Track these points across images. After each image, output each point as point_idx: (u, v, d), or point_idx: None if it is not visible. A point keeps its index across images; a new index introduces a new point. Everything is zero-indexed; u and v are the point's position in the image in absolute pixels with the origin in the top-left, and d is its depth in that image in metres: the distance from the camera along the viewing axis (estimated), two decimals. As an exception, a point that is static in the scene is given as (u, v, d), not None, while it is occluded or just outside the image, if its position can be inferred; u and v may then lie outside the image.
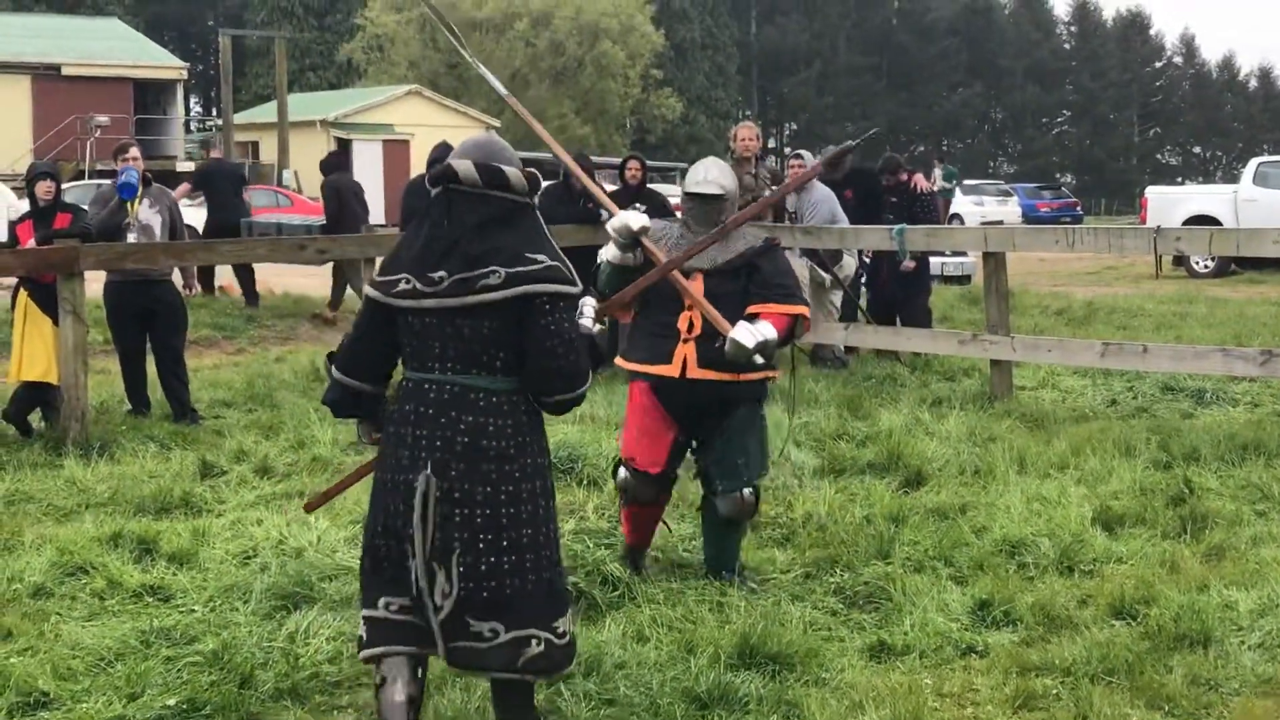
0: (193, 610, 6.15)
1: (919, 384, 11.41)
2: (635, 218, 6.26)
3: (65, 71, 44.50)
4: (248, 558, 6.92)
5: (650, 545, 6.76)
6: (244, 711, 5.08)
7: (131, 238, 10.47)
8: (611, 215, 6.47)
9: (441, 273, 4.38)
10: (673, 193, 33.54)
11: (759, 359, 6.09)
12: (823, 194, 12.61)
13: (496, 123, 54.13)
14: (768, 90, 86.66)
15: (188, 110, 57.27)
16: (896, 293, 12.94)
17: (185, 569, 6.71)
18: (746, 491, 6.38)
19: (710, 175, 6.53)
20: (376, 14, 61.81)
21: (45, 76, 44.38)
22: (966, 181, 45.74)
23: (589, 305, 5.09)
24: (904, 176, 13.29)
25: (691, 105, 73.48)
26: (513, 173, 4.48)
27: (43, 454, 9.27)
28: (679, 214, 6.90)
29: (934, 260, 16.47)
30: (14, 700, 5.10)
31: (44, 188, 10.25)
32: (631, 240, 6.25)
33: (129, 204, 10.54)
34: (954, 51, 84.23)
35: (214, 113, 69.51)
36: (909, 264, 12.37)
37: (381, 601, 4.49)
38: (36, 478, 8.59)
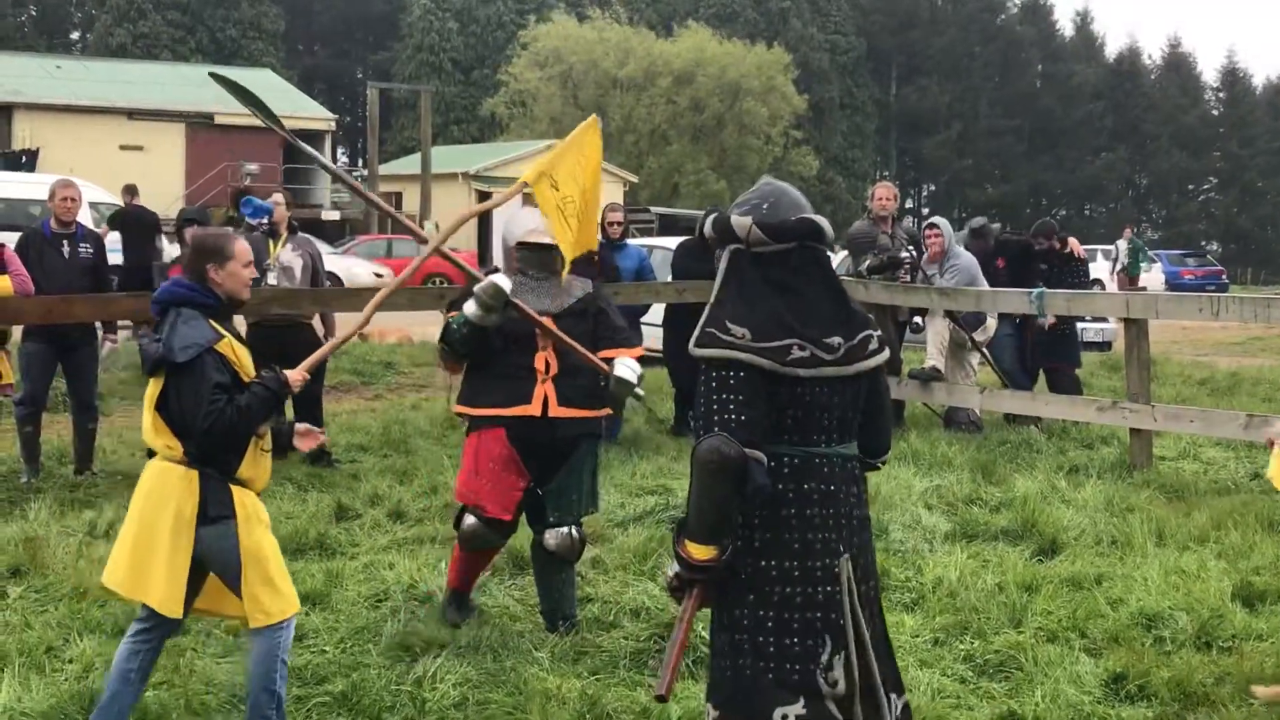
0: (324, 651, 6.25)
1: (1056, 451, 11.23)
2: (504, 279, 6.47)
3: (218, 120, 45.74)
4: (379, 600, 7.02)
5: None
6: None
7: (271, 278, 10.68)
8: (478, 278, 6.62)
9: (837, 339, 4.08)
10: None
11: (640, 392, 6.66)
12: (966, 262, 12.51)
13: (634, 178, 54.56)
14: (906, 151, 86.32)
15: (335, 160, 58.53)
16: (1041, 360, 12.72)
17: (318, 610, 6.82)
18: (575, 530, 6.63)
19: (540, 225, 6.75)
20: (520, 70, 62.72)
21: (198, 125, 45.70)
22: (1108, 247, 44.50)
23: None
24: (1058, 243, 13.08)
25: (829, 165, 73.42)
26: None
27: (184, 492, 9.46)
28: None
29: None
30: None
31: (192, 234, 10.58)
32: (501, 302, 6.41)
33: (269, 244, 10.75)
34: (1099, 115, 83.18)
35: (360, 163, 70.96)
36: (1048, 319, 12.13)
37: (777, 715, 3.98)
38: (177, 515, 8.77)
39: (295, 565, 7.50)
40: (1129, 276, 33.55)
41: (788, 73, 63.79)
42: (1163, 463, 10.88)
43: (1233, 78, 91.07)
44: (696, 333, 4.06)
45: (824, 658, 3.98)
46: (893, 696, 4.15)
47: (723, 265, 4.18)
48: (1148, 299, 11.25)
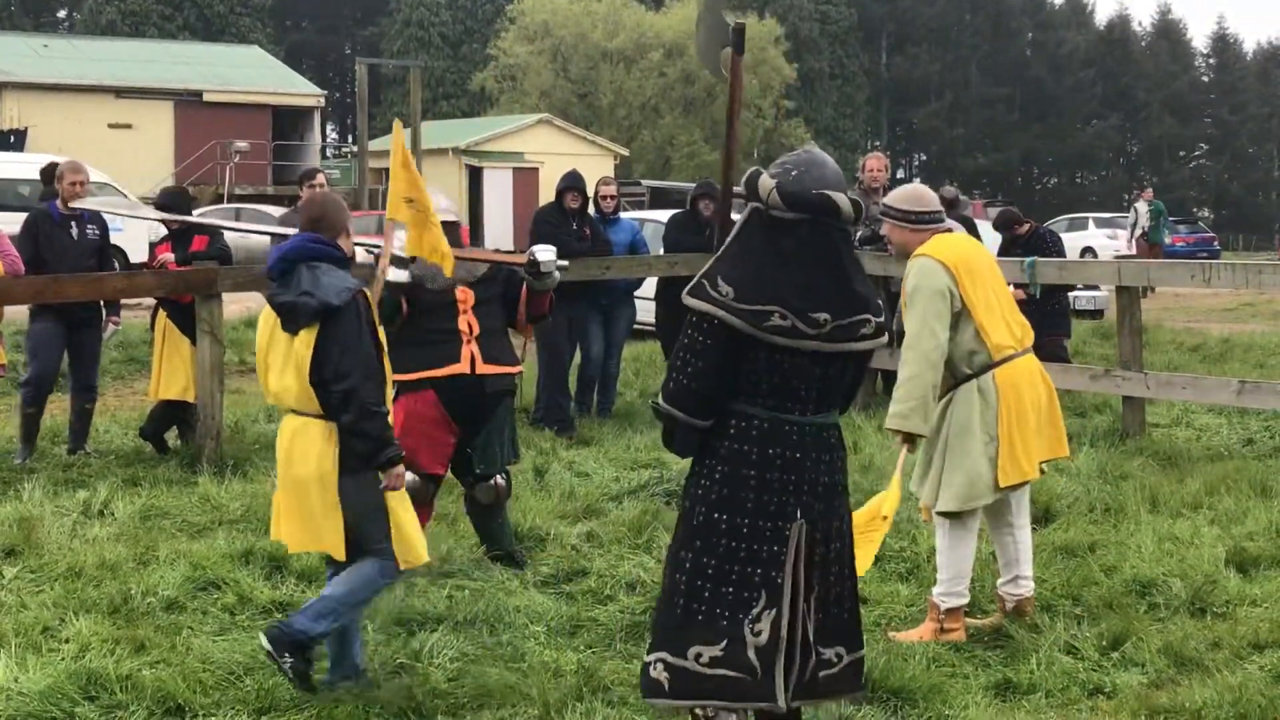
0: (320, 627, 6.24)
1: (1048, 419, 11.20)
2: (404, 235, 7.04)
3: (207, 98, 45.63)
4: (374, 577, 7.01)
5: None
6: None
7: None
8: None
9: (824, 315, 4.18)
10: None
11: (563, 263, 7.38)
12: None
13: (625, 151, 54.44)
14: (897, 121, 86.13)
15: (324, 137, 58.30)
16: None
17: (314, 586, 6.81)
18: (500, 479, 7.26)
19: (449, 205, 7.50)
20: (509, 44, 62.54)
21: (187, 102, 45.55)
22: (1100, 215, 44.41)
23: None
24: (1022, 229, 12.92)
25: (819, 136, 73.25)
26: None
27: (178, 471, 9.48)
28: None
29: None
30: (151, 709, 5.23)
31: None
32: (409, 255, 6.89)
33: None
34: (1089, 83, 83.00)
35: (349, 139, 70.76)
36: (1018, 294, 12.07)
37: (692, 652, 4.23)
38: (172, 494, 8.78)
39: (290, 542, 7.52)
40: (1149, 243, 30.42)
41: (779, 44, 63.59)
42: (1156, 430, 10.90)
43: (1223, 44, 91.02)
44: (694, 280, 4.23)
45: (755, 610, 4.19)
46: (840, 650, 4.35)
47: (740, 220, 4.33)
48: (1140, 266, 11.26)
